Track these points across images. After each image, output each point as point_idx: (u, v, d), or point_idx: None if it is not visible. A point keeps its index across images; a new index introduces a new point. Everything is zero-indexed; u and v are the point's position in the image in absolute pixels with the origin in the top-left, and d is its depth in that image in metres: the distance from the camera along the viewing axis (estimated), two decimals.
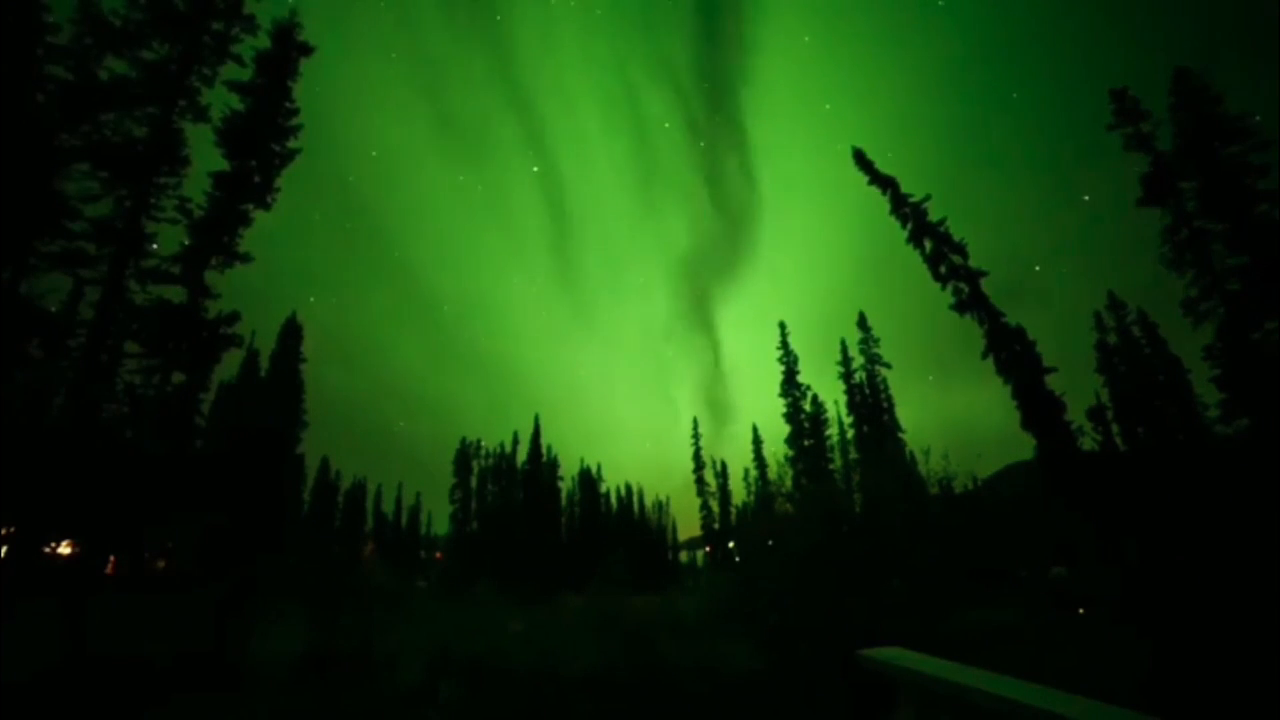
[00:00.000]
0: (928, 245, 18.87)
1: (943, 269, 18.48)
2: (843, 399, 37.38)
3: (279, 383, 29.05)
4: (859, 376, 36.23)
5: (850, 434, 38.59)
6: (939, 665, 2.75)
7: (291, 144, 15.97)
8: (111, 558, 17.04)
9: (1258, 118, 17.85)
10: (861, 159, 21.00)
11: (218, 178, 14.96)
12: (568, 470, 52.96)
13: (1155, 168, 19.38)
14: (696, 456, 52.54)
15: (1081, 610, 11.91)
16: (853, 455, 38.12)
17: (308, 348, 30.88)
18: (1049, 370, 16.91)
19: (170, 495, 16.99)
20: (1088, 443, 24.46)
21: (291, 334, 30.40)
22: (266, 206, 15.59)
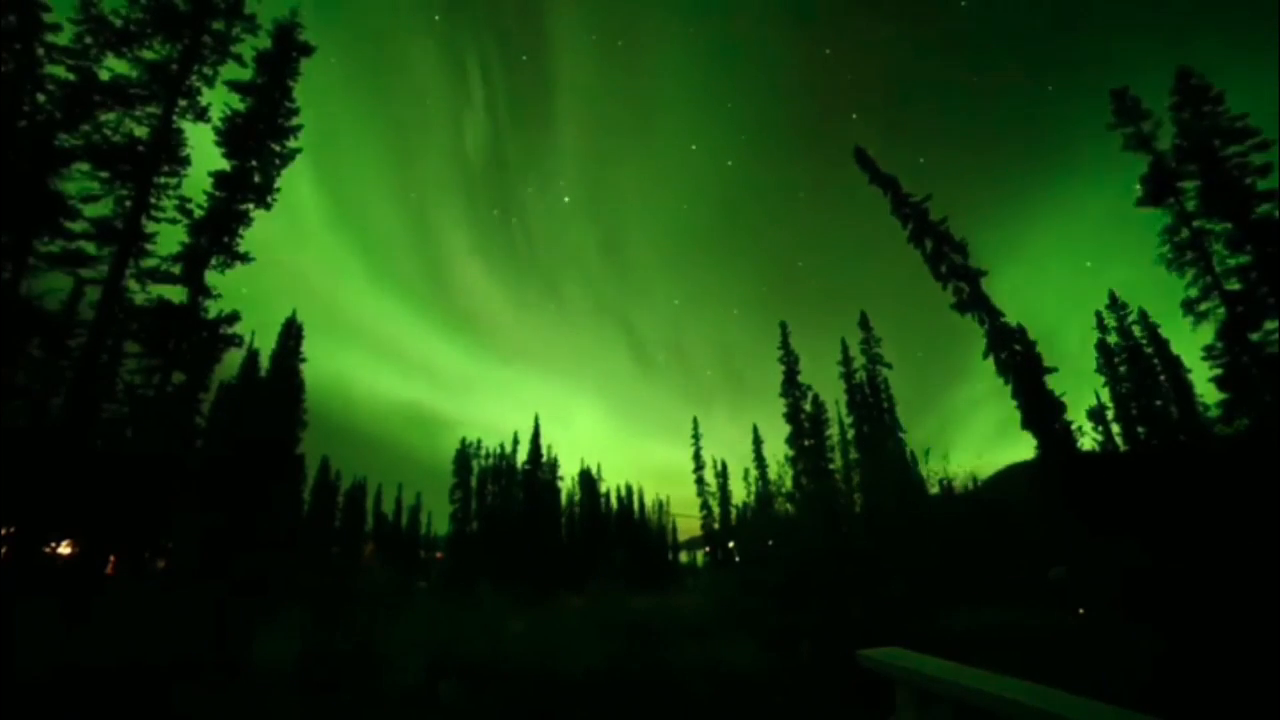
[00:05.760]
0: (928, 245, 18.87)
1: (943, 268, 18.48)
2: (843, 399, 37.42)
3: (279, 383, 29.03)
4: (859, 376, 36.24)
5: (850, 434, 38.57)
6: (939, 665, 2.75)
7: (291, 144, 15.98)
8: (111, 558, 17.04)
9: (1248, 118, 17.84)
10: (862, 158, 20.99)
11: (218, 177, 14.98)
12: (568, 470, 52.96)
13: (1155, 168, 19.36)
14: (696, 456, 52.57)
15: (1081, 610, 11.90)
16: (853, 455, 38.09)
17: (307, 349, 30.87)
18: (1049, 370, 16.92)
19: (170, 495, 16.98)
20: (1088, 443, 24.49)
21: (292, 334, 30.40)
22: (267, 206, 15.60)
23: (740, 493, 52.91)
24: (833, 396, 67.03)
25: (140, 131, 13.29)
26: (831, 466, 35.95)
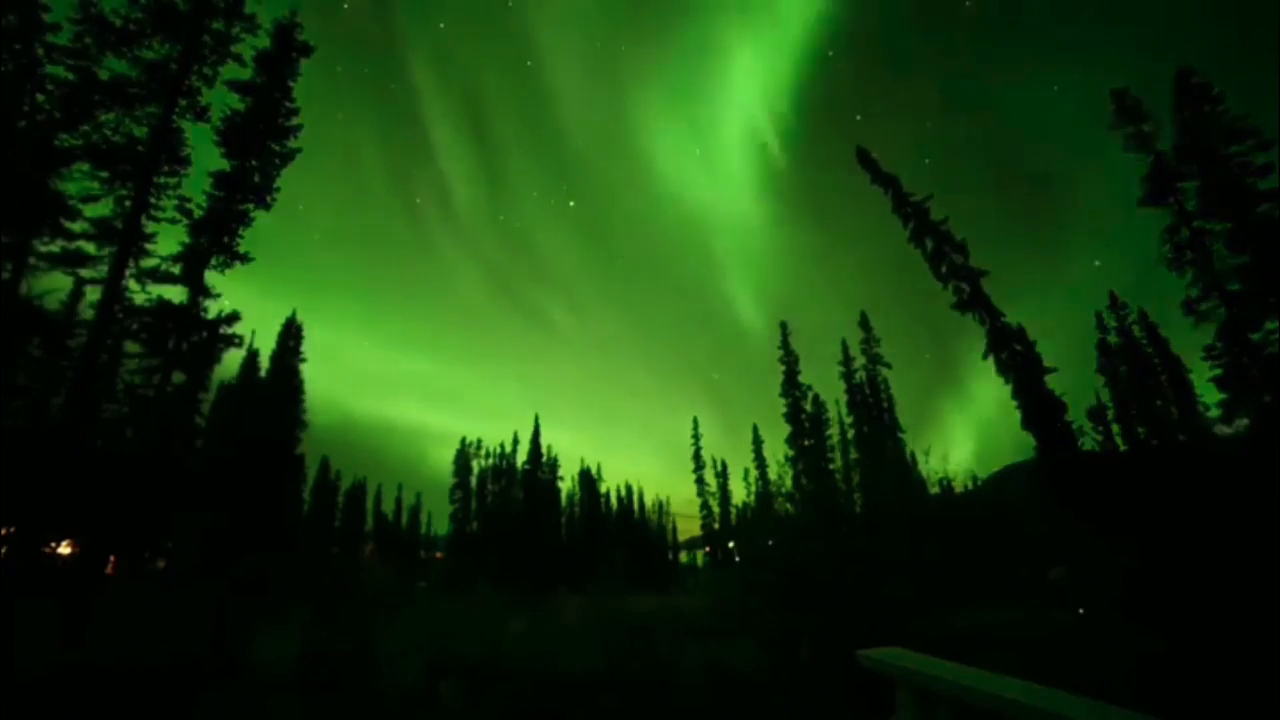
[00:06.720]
0: (929, 244, 18.87)
1: (944, 268, 18.47)
2: (843, 399, 37.42)
3: (279, 384, 29.03)
4: (860, 376, 36.23)
5: (850, 434, 38.58)
6: (939, 665, 2.75)
7: (292, 143, 15.97)
8: (111, 558, 17.04)
9: (1248, 117, 17.83)
10: (864, 158, 21.00)
11: (218, 177, 14.97)
12: (568, 470, 52.95)
13: (1155, 168, 19.35)
14: (696, 456, 52.54)
15: (1081, 610, 11.91)
16: (853, 455, 38.10)
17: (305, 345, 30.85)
18: (1049, 370, 16.92)
19: (170, 495, 16.99)
20: (1088, 443, 24.46)
21: (291, 334, 30.40)
22: (267, 206, 15.60)
23: (740, 493, 52.89)
24: (833, 396, 66.99)
25: (140, 131, 13.27)
26: (831, 466, 35.96)
